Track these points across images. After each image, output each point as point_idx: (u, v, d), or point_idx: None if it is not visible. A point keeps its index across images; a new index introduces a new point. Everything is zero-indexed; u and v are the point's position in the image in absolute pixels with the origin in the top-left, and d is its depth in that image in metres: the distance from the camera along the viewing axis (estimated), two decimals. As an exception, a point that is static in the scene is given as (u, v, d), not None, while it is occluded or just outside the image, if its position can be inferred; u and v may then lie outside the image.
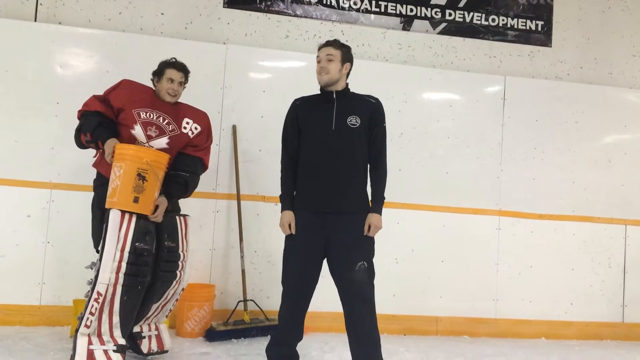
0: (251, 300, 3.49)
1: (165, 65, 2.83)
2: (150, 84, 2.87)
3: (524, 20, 4.27)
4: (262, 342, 2.70)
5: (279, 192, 2.61)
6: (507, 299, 3.95)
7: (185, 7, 3.82)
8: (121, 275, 2.47)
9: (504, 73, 4.15)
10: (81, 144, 2.77)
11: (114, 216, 2.51)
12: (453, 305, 3.88)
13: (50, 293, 3.41)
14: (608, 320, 4.09)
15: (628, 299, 4.13)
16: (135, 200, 2.53)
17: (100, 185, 2.75)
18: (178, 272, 2.73)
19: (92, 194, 2.81)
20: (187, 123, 2.83)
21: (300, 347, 2.62)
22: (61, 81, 3.51)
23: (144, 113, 2.73)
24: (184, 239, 2.78)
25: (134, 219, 2.55)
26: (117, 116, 2.74)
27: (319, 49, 2.59)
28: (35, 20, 3.61)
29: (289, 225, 2.52)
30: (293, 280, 2.51)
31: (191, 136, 2.84)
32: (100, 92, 2.79)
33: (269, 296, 3.59)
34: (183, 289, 2.82)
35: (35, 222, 3.42)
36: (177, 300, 2.84)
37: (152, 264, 2.64)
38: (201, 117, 2.91)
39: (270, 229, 3.60)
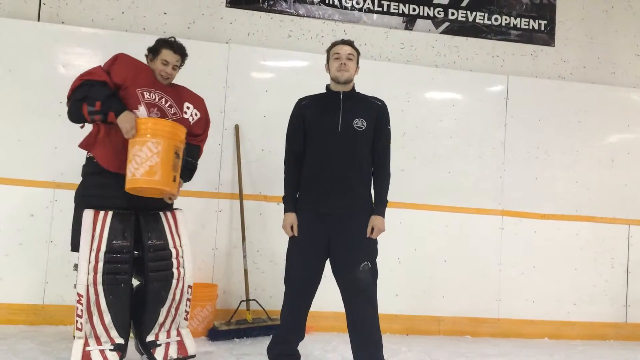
0: (254, 299, 3.50)
1: (162, 44, 2.61)
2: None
3: (527, 20, 4.26)
4: (265, 342, 2.70)
5: (282, 192, 2.61)
6: (510, 299, 3.94)
7: (188, 6, 3.82)
8: (99, 275, 2.37)
9: (506, 73, 4.15)
10: (79, 117, 2.45)
11: (87, 216, 2.40)
12: (455, 305, 3.88)
13: (54, 292, 3.41)
14: (611, 321, 4.08)
15: (631, 299, 4.11)
16: (174, 179, 2.43)
17: (96, 173, 2.50)
18: (175, 270, 2.55)
19: None
20: (188, 108, 2.69)
21: (302, 347, 2.63)
22: (64, 81, 3.45)
23: (148, 93, 2.54)
24: (175, 234, 2.61)
25: (109, 216, 2.43)
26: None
27: (336, 45, 2.57)
28: (39, 20, 3.62)
29: (292, 228, 2.52)
30: (295, 280, 2.52)
31: (191, 122, 2.70)
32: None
33: (272, 296, 3.59)
34: (190, 287, 2.62)
35: (38, 222, 3.43)
36: (188, 299, 2.65)
37: (139, 267, 2.52)
38: (200, 103, 2.77)
39: (272, 228, 3.61)
